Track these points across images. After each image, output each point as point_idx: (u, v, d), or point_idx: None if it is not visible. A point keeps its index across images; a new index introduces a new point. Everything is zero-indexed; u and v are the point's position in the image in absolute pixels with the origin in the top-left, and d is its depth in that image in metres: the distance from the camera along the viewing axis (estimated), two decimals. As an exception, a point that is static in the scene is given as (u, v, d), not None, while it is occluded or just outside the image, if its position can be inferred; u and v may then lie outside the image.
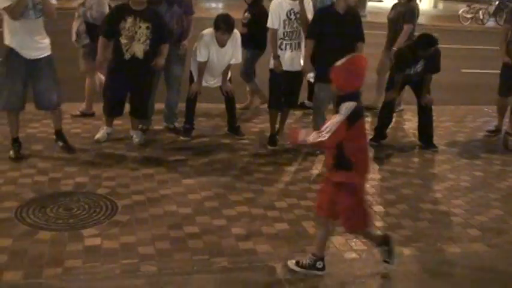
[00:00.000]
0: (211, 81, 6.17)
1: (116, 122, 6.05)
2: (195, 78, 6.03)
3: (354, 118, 3.30)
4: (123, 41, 5.44)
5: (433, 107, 6.39)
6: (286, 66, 5.88)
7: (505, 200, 5.12)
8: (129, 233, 3.98)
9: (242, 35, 6.25)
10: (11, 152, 5.20)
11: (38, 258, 3.58)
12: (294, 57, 5.92)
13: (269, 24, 5.92)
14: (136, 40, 5.45)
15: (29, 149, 5.41)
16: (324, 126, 3.29)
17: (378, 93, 7.71)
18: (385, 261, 3.77)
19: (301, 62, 5.98)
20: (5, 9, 4.85)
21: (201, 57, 5.85)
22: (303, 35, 5.91)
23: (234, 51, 5.97)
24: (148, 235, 3.97)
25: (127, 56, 5.49)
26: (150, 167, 5.22)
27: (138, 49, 5.48)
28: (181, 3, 6.05)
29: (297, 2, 5.79)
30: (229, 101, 6.30)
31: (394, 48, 7.20)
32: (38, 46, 5.10)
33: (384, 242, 3.76)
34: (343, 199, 3.48)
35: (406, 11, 7.27)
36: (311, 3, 6.02)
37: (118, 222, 4.12)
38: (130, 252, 3.73)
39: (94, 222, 4.09)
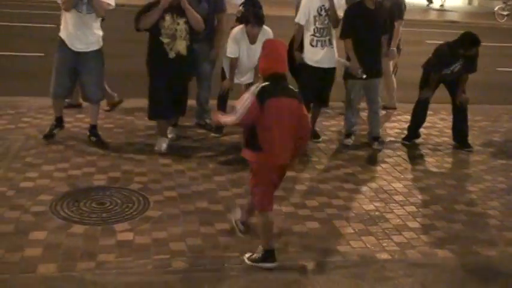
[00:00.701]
0: (242, 78, 6.16)
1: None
2: (227, 75, 6.02)
3: (263, 97, 3.37)
4: (164, 40, 5.30)
5: (468, 106, 6.26)
6: (317, 63, 5.86)
7: (543, 202, 4.99)
8: (161, 228, 4.00)
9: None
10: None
11: (72, 251, 3.63)
12: (325, 54, 5.88)
13: (297, 19, 5.92)
14: (178, 37, 5.34)
15: (63, 143, 5.50)
16: (238, 107, 3.43)
17: (389, 94, 7.53)
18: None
19: (334, 59, 5.96)
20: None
21: (231, 53, 5.83)
22: (333, 32, 5.89)
23: None
24: (180, 231, 3.98)
25: (171, 54, 5.34)
26: (181, 163, 5.24)
27: (181, 46, 5.36)
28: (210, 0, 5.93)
29: None
30: None
31: (393, 49, 7.02)
32: (86, 40, 5.33)
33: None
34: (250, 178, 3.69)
35: (392, 6, 6.91)
36: (343, 0, 5.97)
37: (150, 218, 4.15)
38: (162, 247, 3.75)
39: (126, 217, 4.13)
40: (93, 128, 5.64)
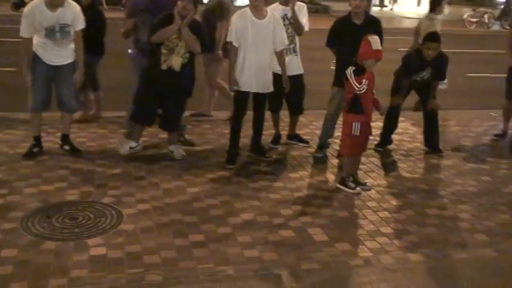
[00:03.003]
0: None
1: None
2: None
3: None
4: (163, 51, 5.34)
5: (438, 111, 6.37)
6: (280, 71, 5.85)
7: (513, 204, 5.09)
8: (135, 242, 3.98)
9: None
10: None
11: (44, 268, 3.58)
12: (289, 62, 5.88)
13: None
14: (176, 53, 5.34)
15: (34, 158, 5.43)
16: None
17: (209, 102, 7.28)
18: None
19: (298, 66, 6.01)
20: (23, 38, 5.25)
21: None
22: (297, 40, 5.94)
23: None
24: (154, 244, 3.96)
25: (163, 66, 5.37)
26: (155, 175, 5.22)
27: (176, 62, 5.35)
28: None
29: (289, 7, 5.82)
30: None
31: (219, 52, 6.73)
32: (63, 54, 5.40)
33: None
34: None
35: (215, 7, 6.69)
36: (305, 8, 6.01)
37: (123, 232, 4.12)
38: (135, 261, 3.72)
39: (99, 232, 4.09)
40: (65, 137, 5.68)
